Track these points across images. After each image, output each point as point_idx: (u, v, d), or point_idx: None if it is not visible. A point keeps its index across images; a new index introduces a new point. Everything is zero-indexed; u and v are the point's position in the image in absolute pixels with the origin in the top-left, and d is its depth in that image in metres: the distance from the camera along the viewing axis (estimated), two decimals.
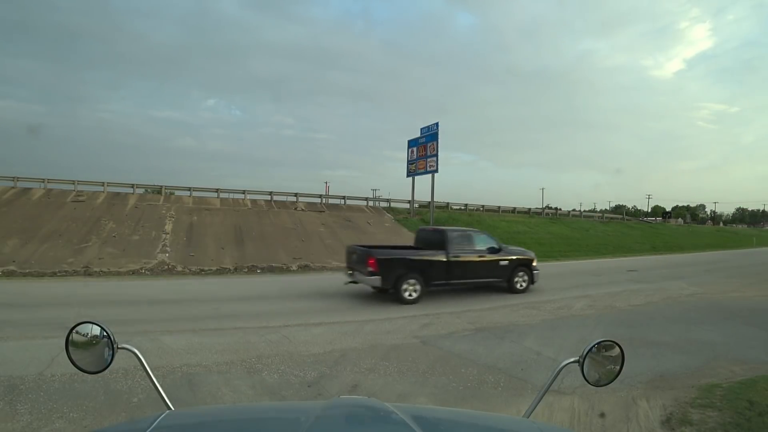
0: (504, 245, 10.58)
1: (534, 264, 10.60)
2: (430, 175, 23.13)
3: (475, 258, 9.68)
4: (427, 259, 9.19)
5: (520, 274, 10.25)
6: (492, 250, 9.99)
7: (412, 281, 8.77)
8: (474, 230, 10.93)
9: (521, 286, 10.21)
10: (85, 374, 1.30)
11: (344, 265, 10.19)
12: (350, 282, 9.52)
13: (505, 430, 1.19)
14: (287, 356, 5.12)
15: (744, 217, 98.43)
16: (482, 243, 10.06)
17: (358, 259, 9.13)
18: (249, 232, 17.64)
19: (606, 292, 10.42)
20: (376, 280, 8.59)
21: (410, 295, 8.75)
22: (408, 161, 25.23)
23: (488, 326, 6.89)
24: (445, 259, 9.23)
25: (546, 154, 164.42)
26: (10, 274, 11.67)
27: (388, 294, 8.92)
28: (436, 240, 9.67)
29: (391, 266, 8.72)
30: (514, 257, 10.31)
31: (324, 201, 25.61)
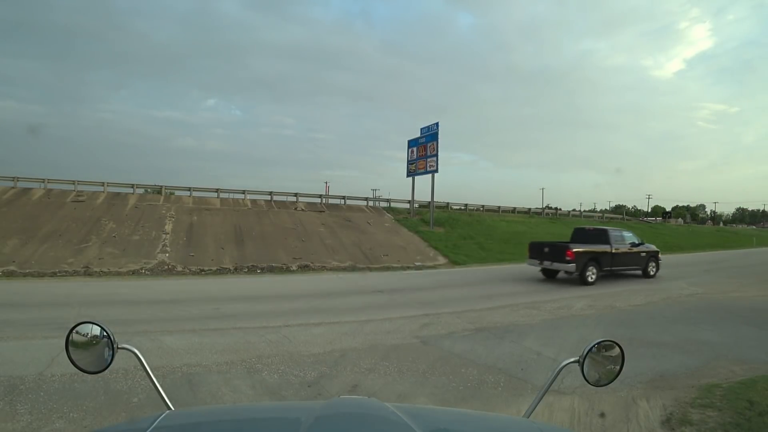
0: (642, 240, 13.57)
1: (659, 256, 13.67)
2: (430, 175, 23.12)
3: (626, 250, 12.75)
4: (601, 251, 12.10)
5: (652, 263, 13.43)
6: (634, 245, 13.06)
7: (592, 268, 11.74)
8: (623, 229, 13.86)
9: (652, 272, 13.39)
10: (85, 374, 1.30)
11: (529, 257, 12.85)
12: (541, 269, 12.65)
13: (505, 430, 1.19)
14: (287, 356, 5.12)
15: (744, 217, 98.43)
16: (629, 239, 13.12)
17: (553, 251, 11.97)
18: (249, 232, 17.63)
19: (606, 292, 10.42)
20: (572, 267, 11.42)
21: (590, 278, 11.68)
22: (408, 161, 25.22)
23: (488, 326, 6.89)
24: (610, 251, 12.20)
25: (546, 154, 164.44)
26: (10, 274, 11.67)
27: (573, 277, 11.97)
28: (600, 237, 12.58)
29: (582, 257, 11.56)
30: (648, 250, 13.38)
31: (324, 201, 25.60)
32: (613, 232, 12.80)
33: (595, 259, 11.79)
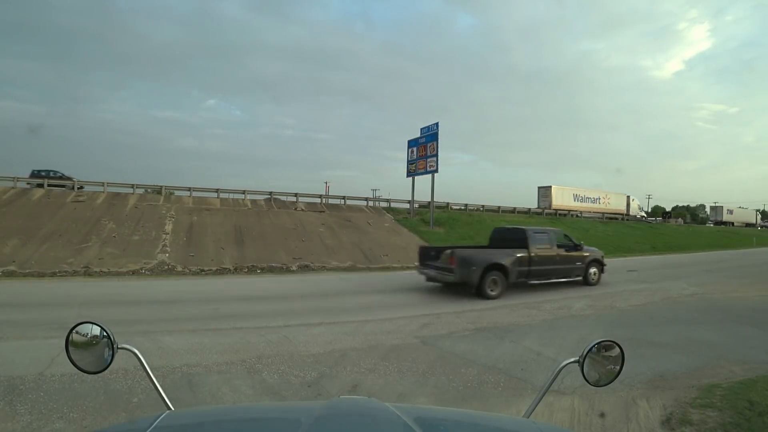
0: (579, 243, 11.85)
1: (603, 260, 12.03)
2: (430, 175, 23.12)
3: (553, 254, 10.79)
4: (516, 256, 10.16)
5: (593, 269, 11.65)
6: (567, 248, 11.29)
7: (494, 278, 9.63)
8: (554, 228, 12.11)
9: (593, 280, 11.60)
10: (85, 374, 1.30)
11: (417, 263, 11.22)
12: (427, 278, 10.76)
13: (505, 430, 1.19)
14: (287, 356, 5.12)
15: None
16: (559, 240, 11.31)
17: (439, 257, 10.28)
18: (249, 233, 17.63)
19: (606, 292, 10.41)
20: (455, 276, 9.37)
21: (492, 291, 9.48)
22: (408, 161, 25.22)
23: (488, 326, 6.89)
24: (527, 256, 10.21)
25: (546, 154, 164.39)
26: (10, 274, 11.67)
27: None
28: (517, 238, 10.69)
29: (468, 263, 9.50)
30: (584, 254, 11.53)
31: (324, 201, 25.60)
32: (535, 232, 10.74)
33: (498, 267, 9.50)
